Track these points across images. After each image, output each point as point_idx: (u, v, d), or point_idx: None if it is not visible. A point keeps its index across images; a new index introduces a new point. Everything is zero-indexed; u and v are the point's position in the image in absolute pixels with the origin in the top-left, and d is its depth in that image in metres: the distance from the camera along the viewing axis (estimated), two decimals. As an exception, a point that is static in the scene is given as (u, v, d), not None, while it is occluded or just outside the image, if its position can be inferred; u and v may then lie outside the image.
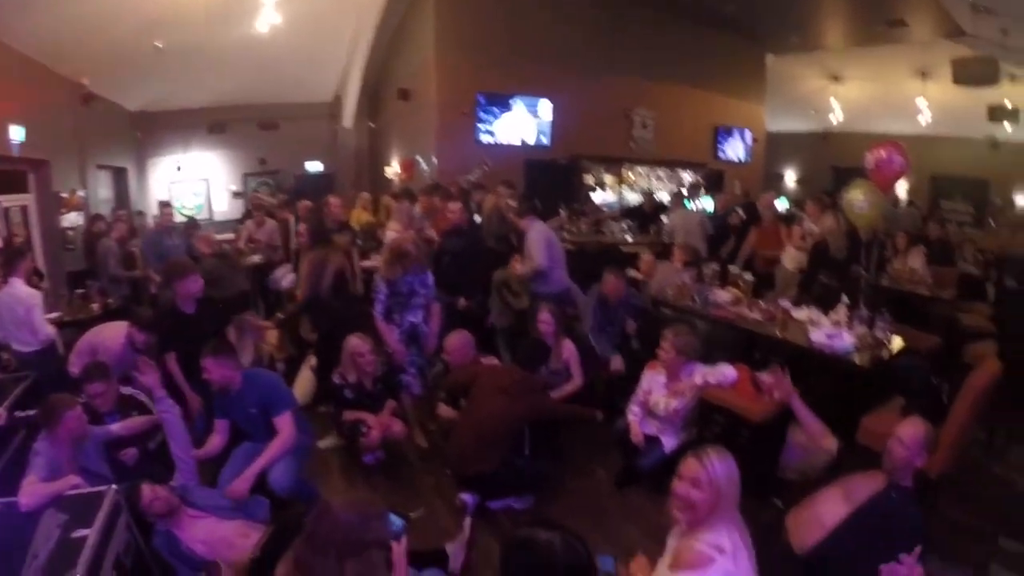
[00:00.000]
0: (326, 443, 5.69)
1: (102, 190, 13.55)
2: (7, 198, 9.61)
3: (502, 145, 13.07)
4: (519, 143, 13.32)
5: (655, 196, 12.88)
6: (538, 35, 12.89)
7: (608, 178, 14.21)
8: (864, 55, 14.48)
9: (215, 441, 4.55)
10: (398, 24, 13.85)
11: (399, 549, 2.60)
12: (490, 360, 5.52)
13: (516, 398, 4.65)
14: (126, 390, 4.83)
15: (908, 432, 3.15)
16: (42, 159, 10.16)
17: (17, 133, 8.93)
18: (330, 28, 12.91)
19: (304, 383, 6.46)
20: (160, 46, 10.83)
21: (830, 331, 5.44)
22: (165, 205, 9.44)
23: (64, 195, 10.88)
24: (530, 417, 4.77)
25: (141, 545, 3.83)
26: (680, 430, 4.92)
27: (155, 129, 15.92)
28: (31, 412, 4.67)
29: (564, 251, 6.83)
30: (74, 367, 5.29)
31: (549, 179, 13.07)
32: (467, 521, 4.29)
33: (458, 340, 5.46)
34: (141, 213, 13.15)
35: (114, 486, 3.73)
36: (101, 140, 13.00)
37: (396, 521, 2.64)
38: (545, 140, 13.55)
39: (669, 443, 4.86)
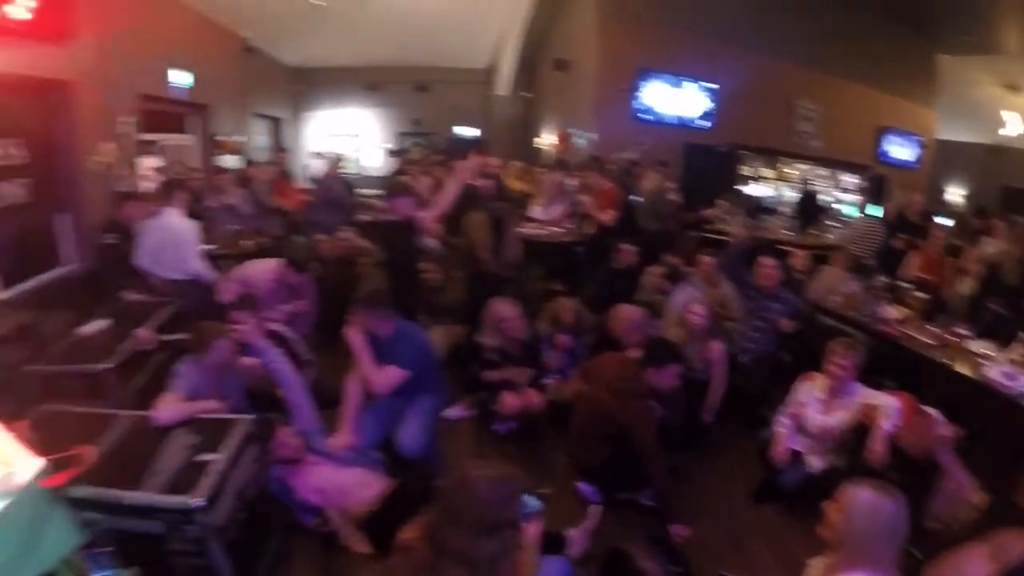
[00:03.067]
0: (454, 412, 5.55)
1: (258, 137, 14.29)
2: (170, 137, 10.14)
3: (662, 125, 12.43)
4: (679, 124, 12.65)
5: (814, 193, 12.36)
6: (704, 12, 12.01)
7: (766, 171, 13.46)
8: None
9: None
10: (557, -9, 13.44)
11: (532, 531, 2.46)
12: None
13: (615, 395, 4.25)
14: (273, 326, 4.96)
15: None
16: (203, 103, 10.70)
17: (184, 78, 9.55)
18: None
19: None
20: (319, 3, 11.06)
21: (1008, 370, 4.90)
22: (334, 159, 9.80)
23: (221, 139, 11.47)
24: (618, 421, 4.22)
25: (266, 479, 3.86)
26: (830, 451, 4.51)
27: (312, 84, 16.75)
28: (177, 336, 4.92)
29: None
30: (225, 294, 5.51)
31: (707, 165, 12.35)
32: (594, 508, 4.11)
33: (627, 313, 5.27)
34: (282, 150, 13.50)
35: (251, 416, 3.75)
36: (259, 91, 13.65)
37: (532, 502, 2.50)
38: (706, 123, 12.83)
39: (816, 463, 4.48)
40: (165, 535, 3.02)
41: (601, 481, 4.47)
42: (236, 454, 3.44)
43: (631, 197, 8.36)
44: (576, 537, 3.79)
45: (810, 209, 11.26)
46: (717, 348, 5.32)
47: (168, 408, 3.69)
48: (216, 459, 3.28)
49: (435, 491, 4.10)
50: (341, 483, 4.02)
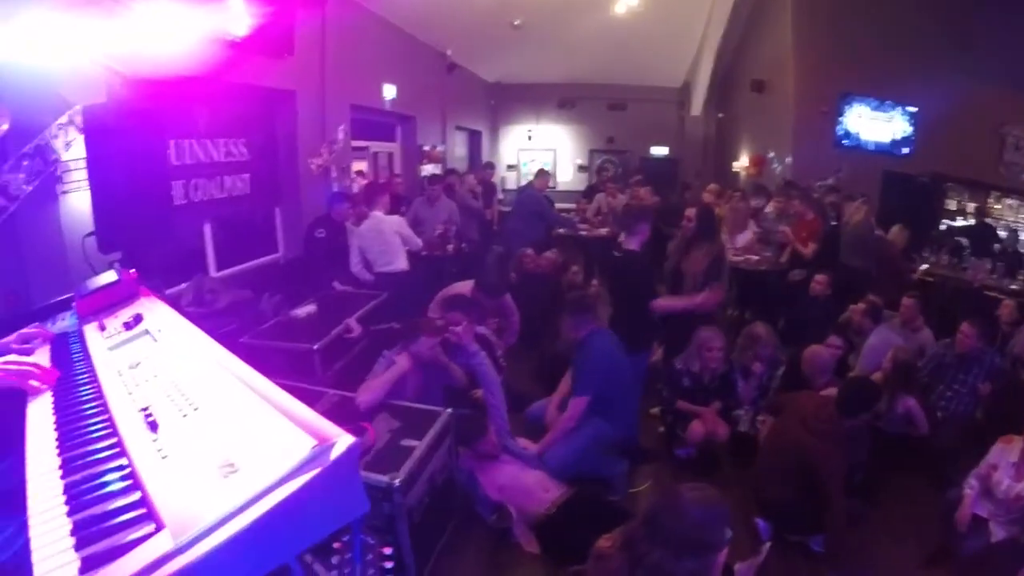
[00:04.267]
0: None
1: (458, 148, 14.99)
2: (379, 144, 11.05)
3: (860, 150, 11.65)
4: (878, 150, 11.75)
5: (990, 226, 11.02)
6: (904, 33, 11.01)
7: (971, 206, 12.02)
8: None
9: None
10: (752, 11, 13.05)
11: (719, 559, 2.47)
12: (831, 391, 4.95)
13: (811, 433, 4.12)
14: (480, 330, 5.27)
15: None
16: (410, 115, 11.51)
17: (393, 91, 10.23)
18: (684, 13, 12.67)
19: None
20: (518, 24, 11.53)
21: None
22: (544, 173, 10.11)
23: (426, 148, 12.27)
24: (811, 462, 4.09)
25: (454, 470, 4.11)
26: (1016, 521, 4.09)
27: (508, 99, 17.36)
28: (384, 326, 5.33)
29: None
30: (432, 313, 5.79)
31: (908, 196, 11.17)
32: (766, 546, 3.99)
33: (816, 354, 5.24)
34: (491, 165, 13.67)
35: (449, 410, 4.01)
36: (460, 104, 14.28)
37: (727, 530, 2.50)
38: (906, 150, 11.78)
39: (998, 532, 4.09)
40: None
41: (778, 519, 4.36)
42: (434, 444, 3.72)
43: (831, 226, 8.01)
44: (743, 572, 3.70)
45: (984, 244, 10.07)
46: (911, 404, 5.01)
47: (367, 390, 4.08)
48: (418, 446, 3.56)
49: (610, 505, 4.23)
50: (524, 484, 4.24)
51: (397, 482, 3.20)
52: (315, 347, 5.01)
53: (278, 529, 0.97)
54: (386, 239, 6.63)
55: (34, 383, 1.72)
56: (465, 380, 4.75)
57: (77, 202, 4.68)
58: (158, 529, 0.99)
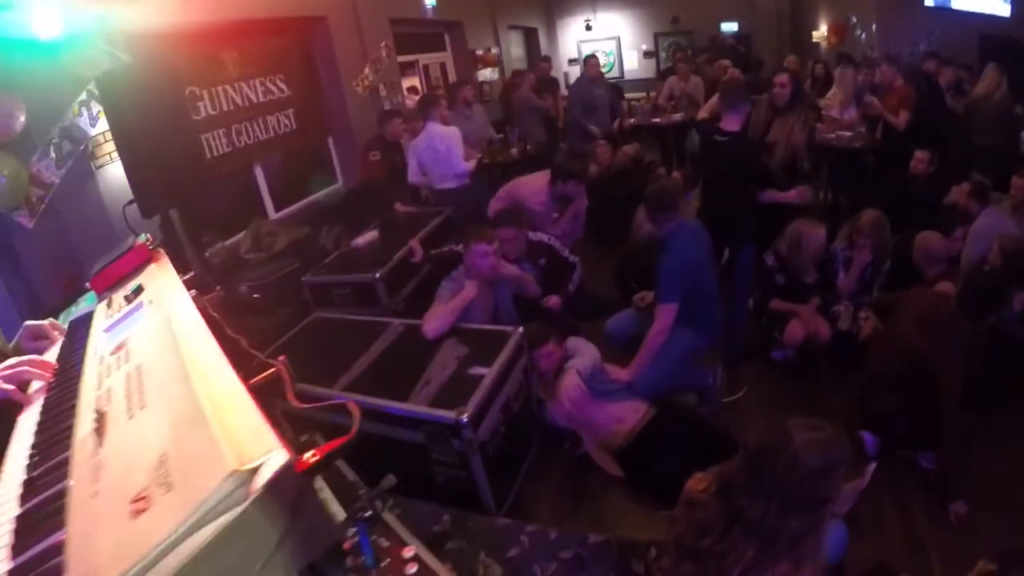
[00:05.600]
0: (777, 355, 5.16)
1: (514, 48, 14.44)
2: (428, 56, 10.75)
3: (953, 12, 10.14)
4: (974, 10, 10.05)
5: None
6: None
7: None
8: None
9: None
10: None
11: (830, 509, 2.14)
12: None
13: (929, 334, 3.67)
14: (536, 236, 4.97)
15: None
16: (456, 20, 11.05)
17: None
18: None
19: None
20: None
21: None
22: (592, 57, 9.43)
23: (479, 53, 11.89)
24: (928, 367, 3.62)
25: (532, 391, 3.93)
26: None
27: None
28: (445, 249, 5.10)
29: None
30: (491, 210, 5.61)
31: (1008, 61, 8.57)
32: (870, 468, 3.57)
33: (925, 240, 4.81)
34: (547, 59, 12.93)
35: (520, 328, 3.80)
36: (511, 2, 13.70)
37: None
38: (1004, 11, 9.59)
39: None
40: (426, 445, 3.15)
41: (886, 432, 3.95)
42: (505, 369, 3.51)
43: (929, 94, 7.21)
44: (846, 493, 3.32)
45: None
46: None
47: (435, 320, 3.88)
48: (487, 373, 3.36)
49: (698, 420, 3.94)
50: (592, 419, 3.94)
51: (465, 417, 3.01)
52: (377, 275, 4.85)
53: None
54: (441, 152, 6.31)
55: (37, 383, 1.53)
56: (538, 288, 4.52)
57: (114, 173, 4.73)
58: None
